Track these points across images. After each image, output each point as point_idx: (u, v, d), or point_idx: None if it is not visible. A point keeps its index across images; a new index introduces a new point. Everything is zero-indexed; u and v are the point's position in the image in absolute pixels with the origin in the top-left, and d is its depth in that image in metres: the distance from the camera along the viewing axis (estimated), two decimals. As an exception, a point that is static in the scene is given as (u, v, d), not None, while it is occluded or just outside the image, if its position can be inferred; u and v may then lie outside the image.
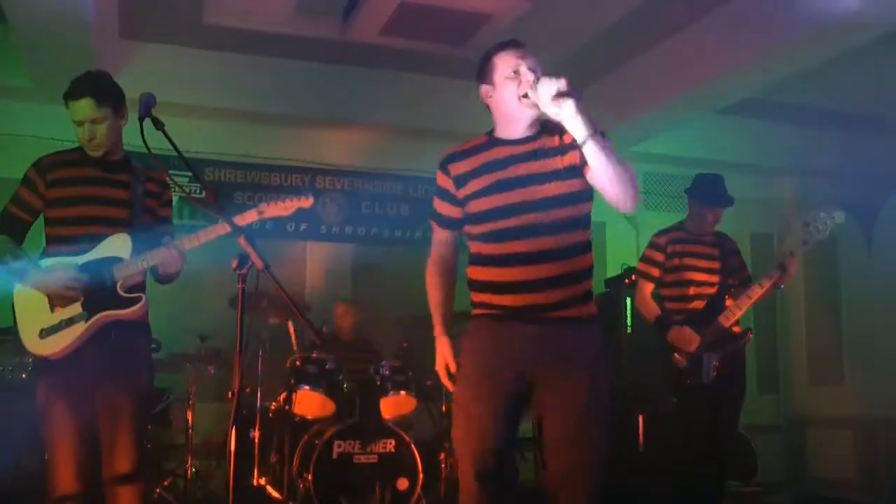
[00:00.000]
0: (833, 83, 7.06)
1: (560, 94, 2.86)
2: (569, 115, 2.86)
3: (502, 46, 3.20)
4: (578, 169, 3.03)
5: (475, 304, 3.18)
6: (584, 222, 3.14)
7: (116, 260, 3.49)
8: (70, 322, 3.41)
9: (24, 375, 5.36)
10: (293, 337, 6.32)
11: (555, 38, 6.64)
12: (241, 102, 7.15)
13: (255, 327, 5.90)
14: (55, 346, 3.40)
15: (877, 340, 7.73)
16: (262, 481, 5.69)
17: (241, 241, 3.00)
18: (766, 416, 8.67)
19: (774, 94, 7.24)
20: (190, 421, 6.01)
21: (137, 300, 3.51)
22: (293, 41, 6.74)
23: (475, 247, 3.17)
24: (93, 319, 3.43)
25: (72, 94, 3.52)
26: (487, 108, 3.23)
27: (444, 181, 3.27)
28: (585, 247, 3.14)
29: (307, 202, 3.73)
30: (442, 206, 3.30)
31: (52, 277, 3.40)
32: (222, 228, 3.36)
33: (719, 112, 7.57)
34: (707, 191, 5.28)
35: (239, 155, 7.51)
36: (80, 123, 3.52)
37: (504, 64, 3.14)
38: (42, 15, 5.26)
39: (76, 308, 3.43)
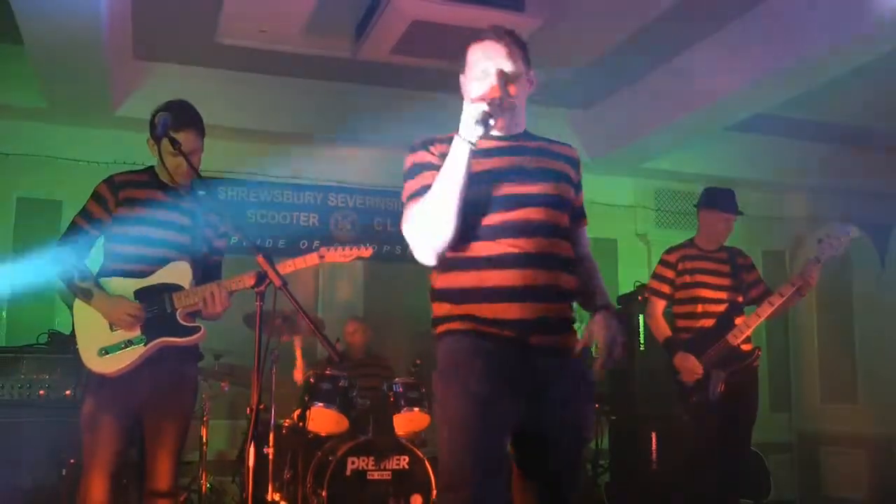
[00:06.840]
0: (846, 99, 7.05)
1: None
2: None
3: (480, 36, 2.79)
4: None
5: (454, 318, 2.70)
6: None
7: (177, 287, 3.57)
8: (129, 343, 3.51)
9: (41, 393, 5.38)
10: (299, 354, 6.31)
11: (566, 55, 6.66)
12: (254, 121, 7.20)
13: (269, 345, 5.90)
14: (113, 365, 3.49)
15: (890, 358, 7.70)
16: (276, 497, 5.70)
17: (260, 258, 3.02)
18: (779, 434, 8.63)
19: (786, 110, 7.23)
20: (204, 437, 6.03)
21: (196, 330, 3.60)
22: (305, 60, 6.78)
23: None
24: (151, 344, 3.52)
25: (174, 125, 3.49)
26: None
27: (428, 157, 2.88)
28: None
29: (367, 252, 3.85)
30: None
31: (115, 309, 3.49)
32: (273, 276, 3.06)
33: (730, 128, 7.58)
34: (718, 198, 5.27)
35: (251, 173, 7.54)
36: (175, 155, 3.52)
37: (474, 59, 2.77)
38: (56, 36, 5.29)
39: (135, 331, 3.52)
